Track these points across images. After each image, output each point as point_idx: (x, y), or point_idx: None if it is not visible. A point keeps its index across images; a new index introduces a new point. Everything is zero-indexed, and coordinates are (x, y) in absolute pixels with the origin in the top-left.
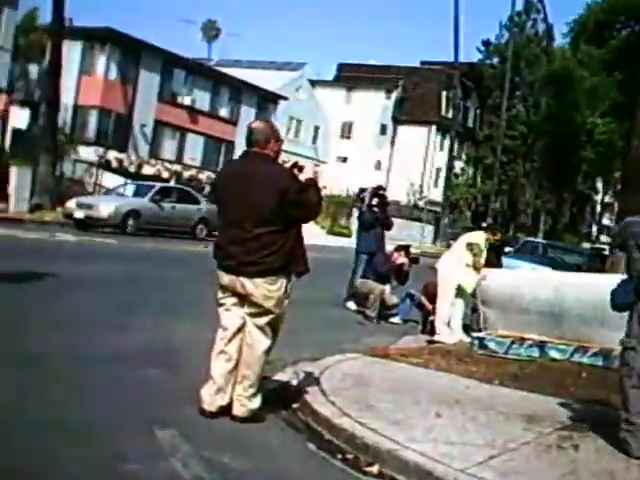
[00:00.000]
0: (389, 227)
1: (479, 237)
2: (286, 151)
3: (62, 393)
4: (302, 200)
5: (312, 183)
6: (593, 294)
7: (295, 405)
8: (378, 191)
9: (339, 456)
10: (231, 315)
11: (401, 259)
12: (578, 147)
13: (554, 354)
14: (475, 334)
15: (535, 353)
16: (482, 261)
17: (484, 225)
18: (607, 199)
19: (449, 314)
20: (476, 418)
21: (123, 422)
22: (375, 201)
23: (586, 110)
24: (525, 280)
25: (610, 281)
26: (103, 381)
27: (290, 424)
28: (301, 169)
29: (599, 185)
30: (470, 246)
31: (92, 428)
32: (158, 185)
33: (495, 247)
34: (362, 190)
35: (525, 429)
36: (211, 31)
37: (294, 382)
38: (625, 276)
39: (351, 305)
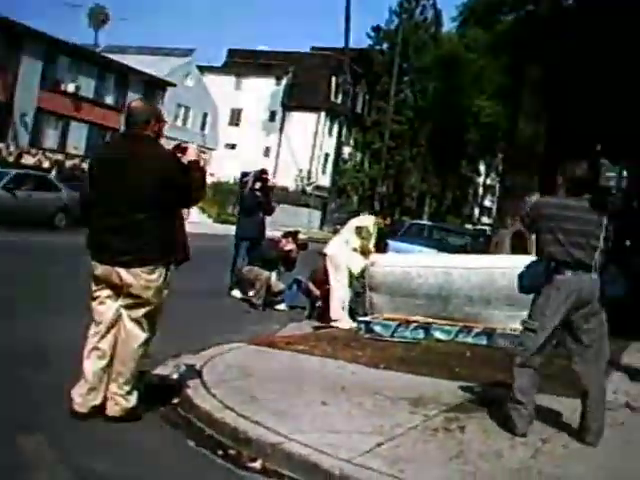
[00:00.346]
0: (270, 212)
1: (368, 221)
2: (174, 139)
3: None
4: (184, 183)
5: (195, 166)
6: (480, 275)
7: (175, 400)
8: (261, 175)
9: (220, 452)
10: (105, 309)
11: (289, 245)
12: (464, 130)
13: (439, 335)
14: (361, 318)
15: (421, 335)
16: (371, 246)
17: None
18: (489, 181)
19: (344, 298)
20: (362, 404)
21: None
22: (258, 185)
23: (472, 93)
24: (414, 264)
25: (498, 262)
26: None
27: (169, 421)
28: (184, 151)
29: (482, 168)
30: (359, 230)
31: None
32: (12, 172)
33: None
34: (245, 174)
35: (412, 413)
36: (99, 16)
37: (174, 376)
38: (534, 257)
39: (236, 293)
